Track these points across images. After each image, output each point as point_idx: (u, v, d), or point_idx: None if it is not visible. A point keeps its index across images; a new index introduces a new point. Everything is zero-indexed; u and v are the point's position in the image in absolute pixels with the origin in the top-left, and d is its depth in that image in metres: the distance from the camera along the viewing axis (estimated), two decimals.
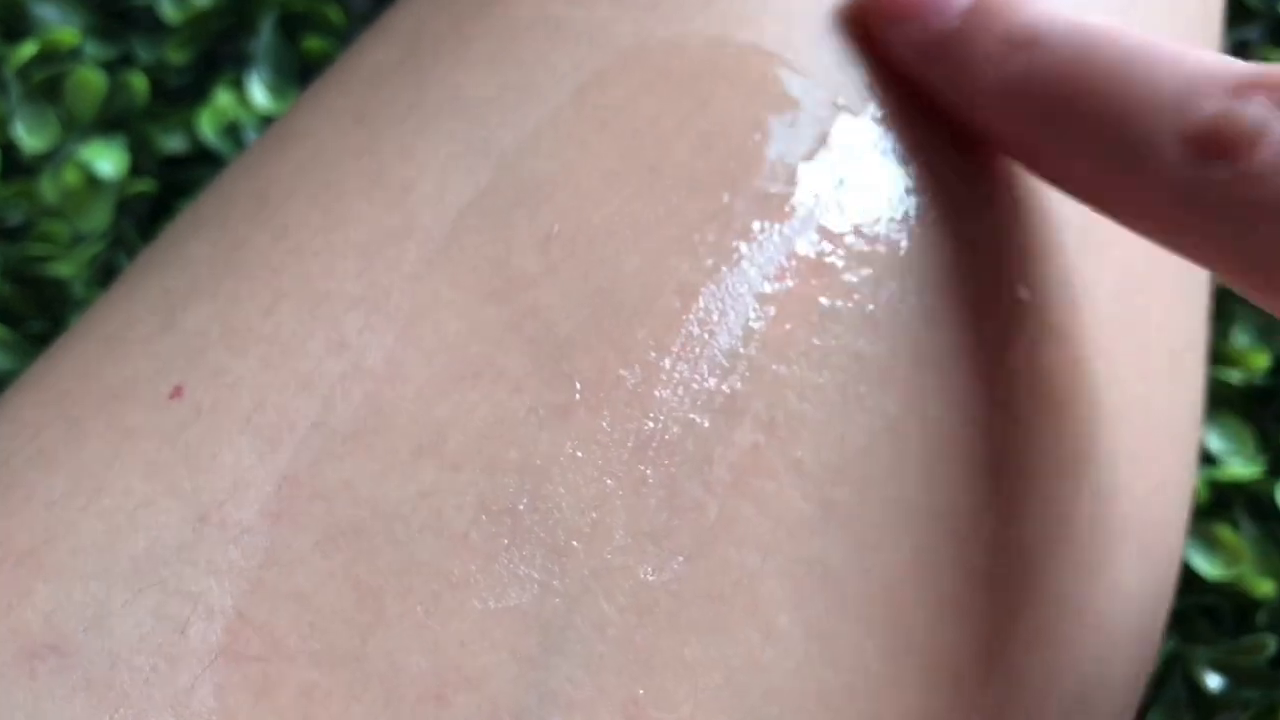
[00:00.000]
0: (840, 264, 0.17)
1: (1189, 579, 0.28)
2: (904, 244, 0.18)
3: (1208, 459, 0.29)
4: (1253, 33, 0.34)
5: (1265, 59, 0.32)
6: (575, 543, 0.15)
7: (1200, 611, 0.29)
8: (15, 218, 0.30)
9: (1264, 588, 0.28)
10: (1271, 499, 0.28)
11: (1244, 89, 0.15)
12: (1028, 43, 0.18)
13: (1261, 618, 0.28)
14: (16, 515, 0.16)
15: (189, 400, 0.16)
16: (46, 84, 0.30)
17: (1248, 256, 0.16)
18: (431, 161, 0.18)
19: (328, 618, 0.15)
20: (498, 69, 0.19)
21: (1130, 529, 0.20)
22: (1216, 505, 0.29)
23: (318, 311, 0.17)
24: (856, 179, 0.18)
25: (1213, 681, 0.28)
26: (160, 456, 0.16)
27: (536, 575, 0.15)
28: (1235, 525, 0.28)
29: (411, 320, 0.17)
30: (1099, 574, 0.19)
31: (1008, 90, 0.18)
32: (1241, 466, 0.29)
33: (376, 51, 0.21)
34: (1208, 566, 0.28)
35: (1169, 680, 0.28)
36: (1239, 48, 0.33)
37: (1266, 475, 0.29)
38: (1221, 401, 0.30)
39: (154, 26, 0.31)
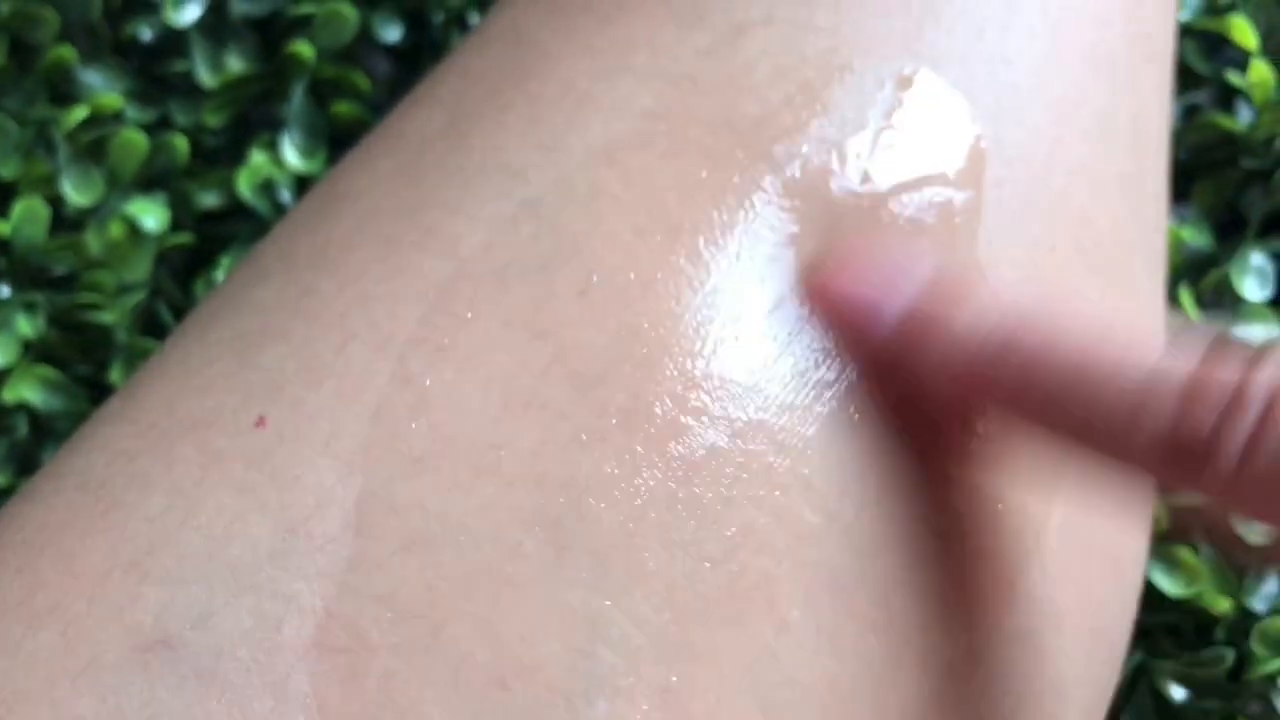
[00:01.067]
0: None
1: (1153, 597, 0.31)
2: None
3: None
4: (1201, 97, 0.37)
5: (1214, 123, 0.35)
6: (615, 550, 0.18)
7: (1164, 628, 0.31)
8: (62, 269, 0.32)
9: (1222, 605, 0.30)
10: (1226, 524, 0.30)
11: (1193, 395, 0.17)
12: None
13: (1220, 633, 0.31)
14: (120, 530, 0.18)
15: (272, 429, 0.19)
16: (92, 145, 0.32)
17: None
18: (479, 216, 0.20)
19: (404, 615, 0.17)
20: (534, 134, 0.22)
21: (1097, 543, 0.22)
22: (1175, 528, 0.31)
23: (384, 350, 0.19)
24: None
25: (1177, 693, 0.30)
26: (248, 478, 0.18)
27: (583, 578, 0.17)
28: (1194, 548, 0.31)
29: (468, 356, 0.19)
30: (1070, 581, 0.21)
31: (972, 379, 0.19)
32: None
33: (419, 118, 0.24)
34: (1169, 585, 0.30)
35: (1136, 692, 0.30)
36: (1189, 112, 0.36)
37: None
38: None
39: (192, 91, 0.34)
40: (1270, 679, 0.29)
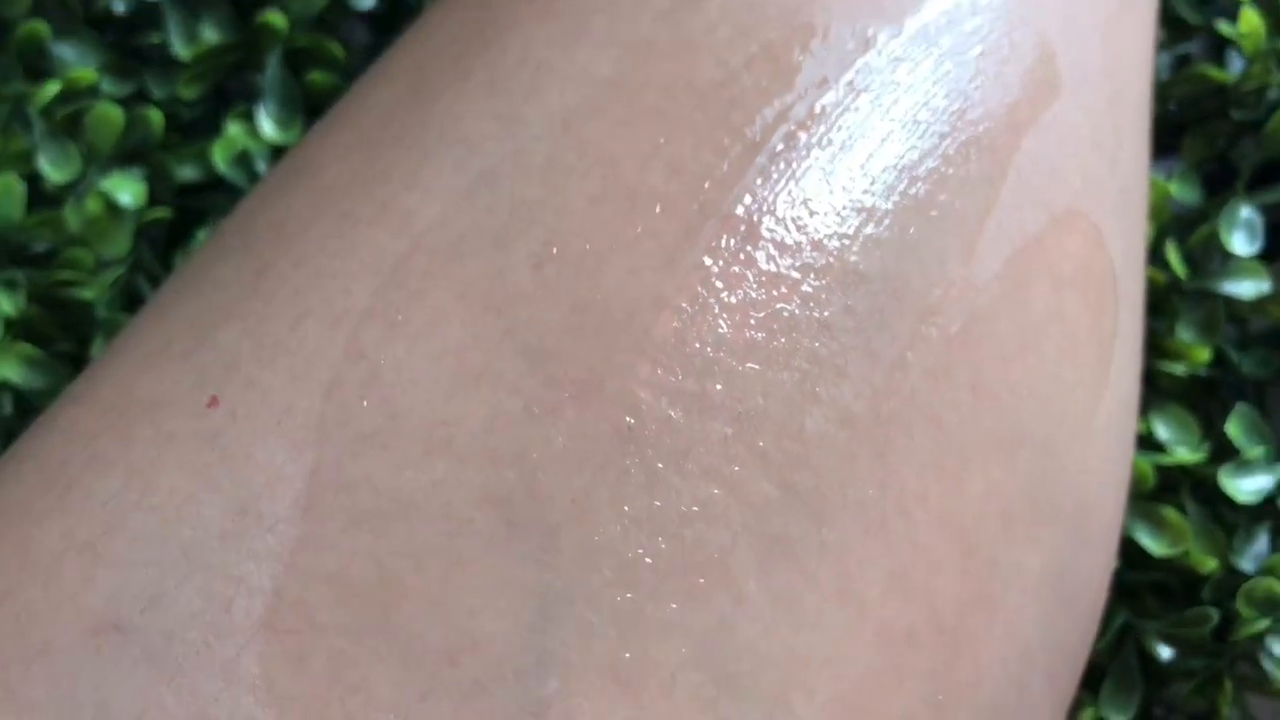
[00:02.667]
0: (797, 275, 0.20)
1: (1139, 556, 0.30)
2: (853, 258, 0.20)
3: (1155, 445, 0.31)
4: (1193, 47, 0.36)
5: (1204, 74, 0.34)
6: (566, 525, 0.18)
7: (1150, 587, 0.31)
8: (41, 246, 0.32)
9: (1209, 564, 0.30)
10: (1214, 483, 0.30)
11: None
12: None
13: (1206, 593, 0.30)
14: (76, 512, 0.18)
15: (224, 408, 0.19)
16: (68, 120, 0.32)
17: None
18: (435, 188, 0.20)
19: (354, 594, 0.17)
20: (492, 103, 0.21)
21: (1063, 508, 0.22)
22: (1162, 488, 0.31)
23: (337, 326, 0.19)
24: (810, 202, 0.20)
25: (1164, 653, 0.30)
26: (200, 458, 0.18)
27: (534, 554, 0.17)
28: (1180, 507, 0.30)
29: (420, 331, 0.19)
30: (1036, 546, 0.21)
31: None
32: (1186, 453, 0.31)
33: (382, 89, 0.23)
34: (1154, 545, 0.30)
35: (1122, 651, 0.30)
36: (1179, 61, 0.36)
37: (1209, 461, 0.31)
38: (1167, 392, 0.32)
39: (167, 63, 0.33)
40: (1257, 638, 0.29)
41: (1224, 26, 0.34)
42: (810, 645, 0.18)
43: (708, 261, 0.19)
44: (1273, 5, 0.34)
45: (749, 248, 0.20)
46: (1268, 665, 0.30)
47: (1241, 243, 0.32)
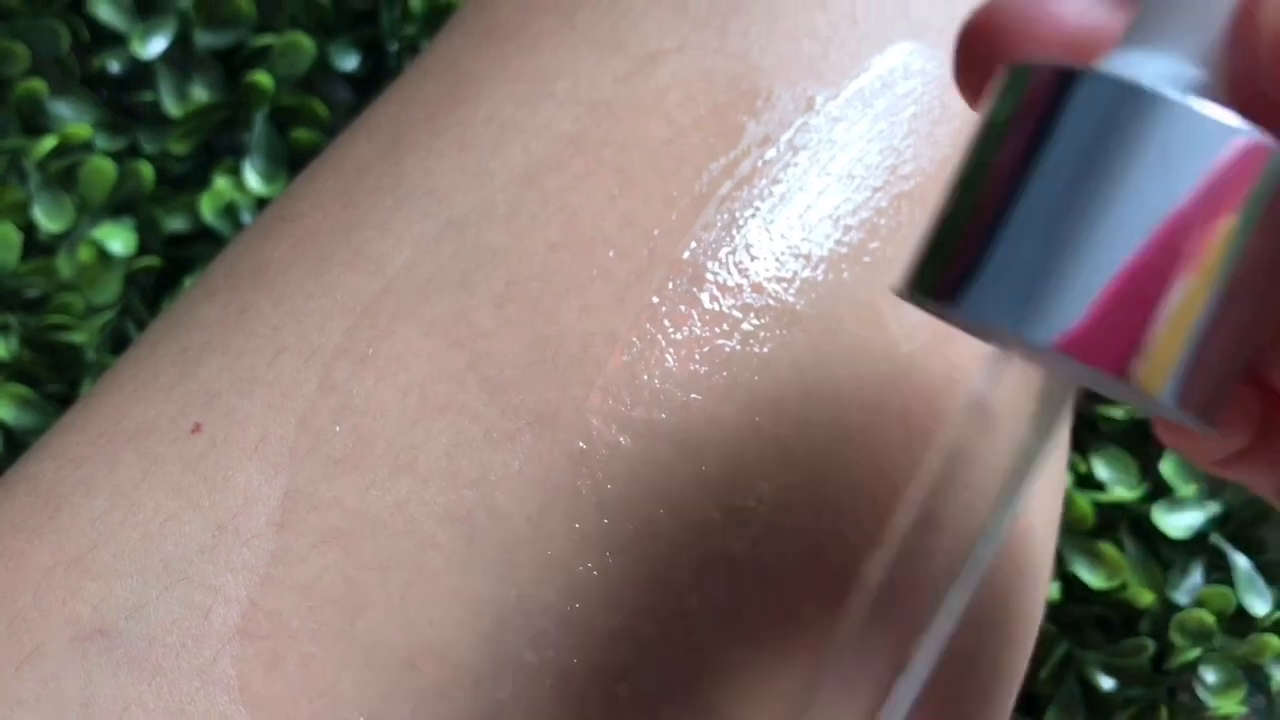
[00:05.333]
0: (739, 314, 0.21)
1: (1080, 590, 0.32)
2: (790, 298, 0.22)
3: (1095, 484, 0.33)
4: None
5: None
6: (522, 542, 0.19)
7: (1092, 620, 0.32)
8: (35, 292, 0.34)
9: (1146, 598, 0.32)
10: (1150, 520, 0.32)
11: None
12: None
13: (1145, 625, 0.32)
14: (65, 530, 0.19)
15: (206, 434, 0.20)
16: (63, 173, 0.34)
17: None
18: (406, 235, 0.22)
19: (323, 604, 0.18)
20: (461, 158, 0.23)
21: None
22: (1102, 526, 0.32)
23: (311, 360, 0.21)
24: (752, 248, 0.22)
25: (1105, 683, 0.32)
26: (183, 479, 0.19)
27: (492, 568, 0.19)
28: (1119, 543, 0.32)
29: (389, 365, 0.20)
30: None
31: None
32: (1124, 491, 0.32)
33: (359, 144, 0.25)
34: (1094, 579, 0.31)
35: (1064, 681, 0.32)
36: None
37: (1145, 499, 0.32)
38: (1107, 435, 0.33)
39: (158, 120, 0.35)
40: (1190, 667, 0.31)
41: None
42: (747, 657, 0.20)
43: (656, 301, 0.21)
44: None
45: (694, 289, 0.21)
46: (1201, 693, 0.31)
47: None
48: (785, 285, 0.22)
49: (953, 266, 0.15)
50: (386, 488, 0.19)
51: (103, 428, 0.21)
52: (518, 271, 0.21)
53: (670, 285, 0.21)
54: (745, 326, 0.21)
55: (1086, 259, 0.14)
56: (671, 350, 0.21)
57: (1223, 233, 0.14)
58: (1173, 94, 0.14)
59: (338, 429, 0.20)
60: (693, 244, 0.22)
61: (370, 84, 0.36)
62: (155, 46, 0.35)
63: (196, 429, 0.20)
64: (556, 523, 0.19)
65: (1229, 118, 0.14)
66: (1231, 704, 0.31)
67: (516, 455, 0.20)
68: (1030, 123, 0.15)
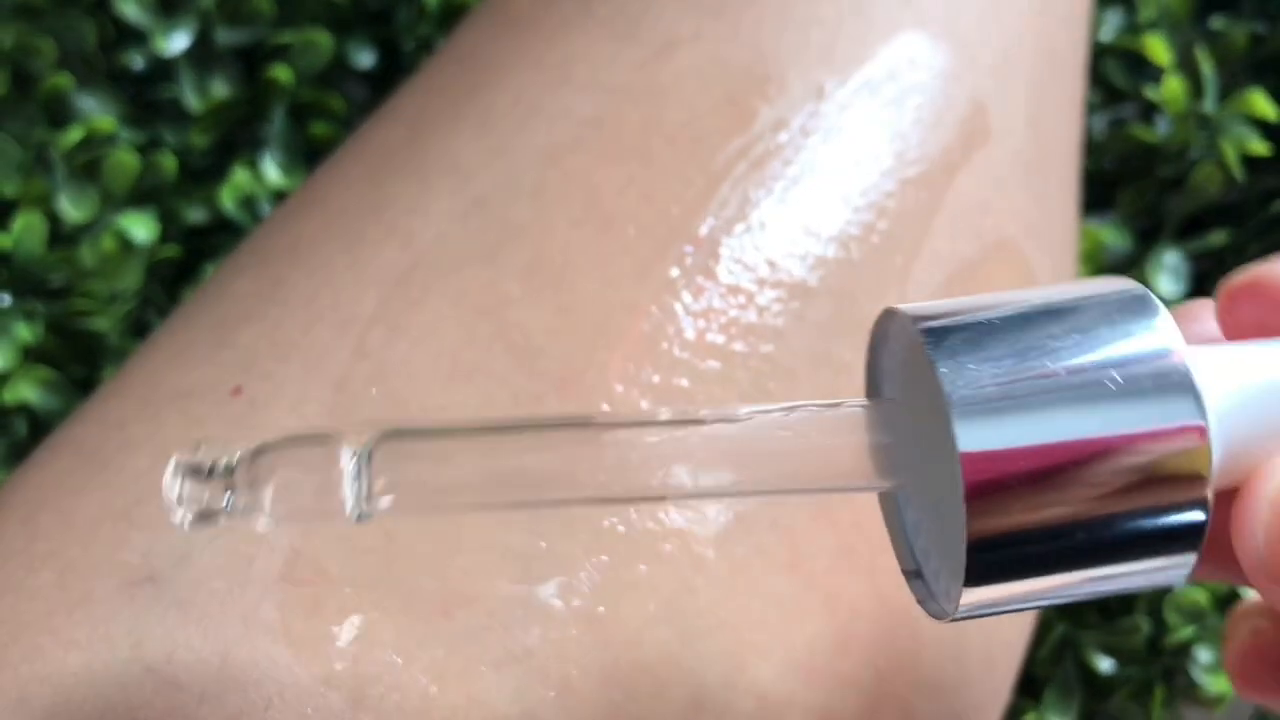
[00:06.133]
0: (753, 287, 0.22)
1: None
2: (802, 274, 0.23)
3: None
4: (1126, 110, 0.39)
5: (1134, 135, 0.37)
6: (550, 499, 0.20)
7: (1090, 602, 0.33)
8: (59, 279, 0.34)
9: None
10: None
11: None
12: None
13: (1141, 606, 0.33)
14: (111, 486, 0.20)
15: (246, 397, 0.21)
16: (87, 164, 0.35)
17: None
18: (434, 212, 0.23)
19: (362, 553, 0.19)
20: (485, 140, 0.24)
21: None
22: None
23: (346, 329, 0.21)
24: (765, 225, 0.23)
25: (1103, 664, 0.32)
26: (224, 436, 0.20)
27: (521, 522, 0.20)
28: None
29: (420, 333, 0.21)
30: None
31: None
32: None
33: (385, 130, 0.26)
34: None
35: (1061, 661, 0.32)
36: (1114, 124, 0.39)
37: None
38: None
39: (180, 115, 0.36)
40: (1184, 647, 0.32)
41: (1152, 92, 0.38)
42: (764, 610, 0.21)
43: (675, 274, 0.22)
44: (1194, 72, 0.37)
45: (711, 263, 0.22)
46: (1195, 674, 0.32)
47: (1168, 284, 0.35)
48: (798, 261, 0.23)
49: None
50: None
51: (144, 393, 0.22)
52: (542, 246, 0.22)
53: (688, 260, 0.22)
54: (760, 299, 0.22)
55: None
56: (690, 320, 0.22)
57: None
58: None
59: (373, 392, 0.21)
60: (710, 221, 0.23)
61: (385, 81, 0.37)
62: (177, 43, 0.36)
63: (237, 391, 0.21)
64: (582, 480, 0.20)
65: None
66: (1224, 683, 0.32)
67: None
68: None
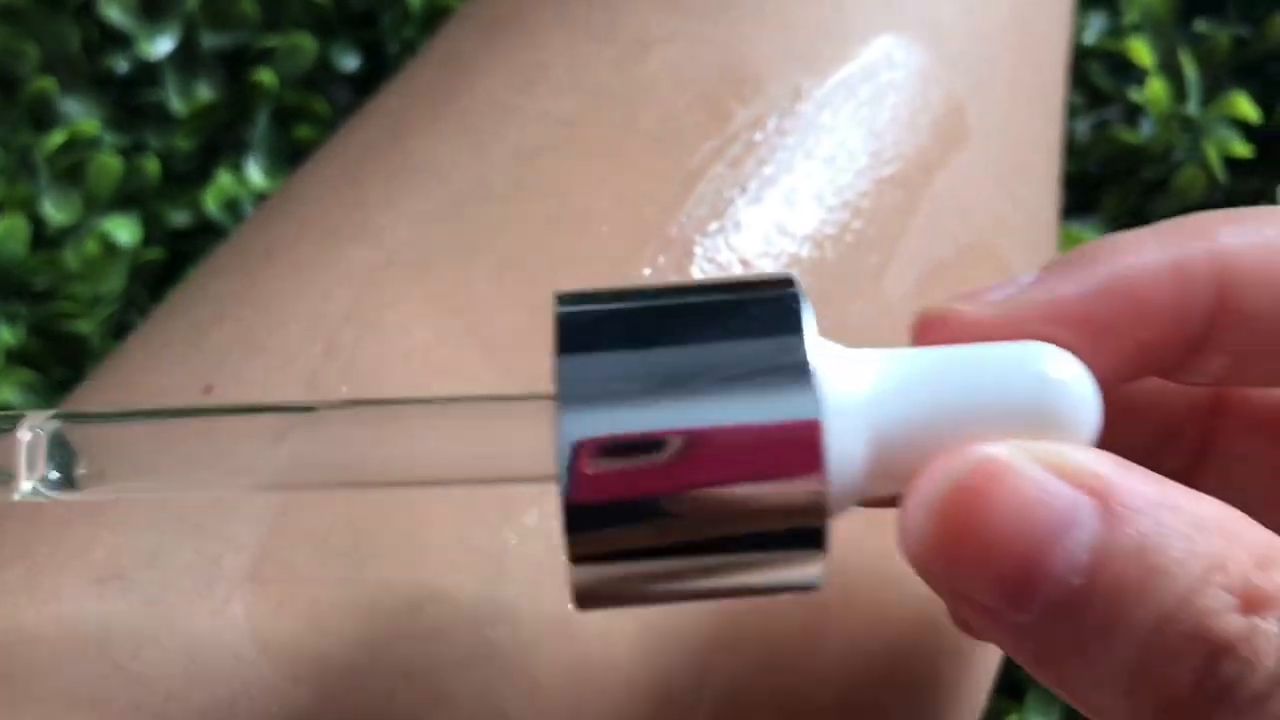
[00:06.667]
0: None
1: None
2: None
3: None
4: (1110, 113, 0.39)
5: (1118, 137, 0.37)
6: (521, 495, 0.20)
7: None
8: (42, 283, 0.34)
9: None
10: None
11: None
12: None
13: None
14: None
15: (216, 395, 0.21)
16: (71, 168, 0.35)
17: None
18: (407, 210, 0.23)
19: (330, 551, 0.19)
20: (461, 139, 0.24)
21: None
22: None
23: (318, 327, 0.21)
24: (739, 225, 0.23)
25: None
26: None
27: (492, 520, 0.20)
28: None
29: (392, 331, 0.21)
30: None
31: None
32: None
33: (363, 130, 0.26)
34: None
35: None
36: (1098, 126, 0.39)
37: None
38: None
39: (164, 118, 0.36)
40: None
41: (1136, 94, 0.38)
42: (734, 607, 0.20)
43: (648, 273, 0.22)
44: (1177, 75, 0.37)
45: (685, 262, 0.22)
46: None
47: None
48: (772, 261, 0.23)
49: None
50: None
51: (118, 394, 0.22)
52: (515, 245, 0.22)
53: (662, 259, 0.22)
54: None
55: None
56: None
57: None
58: None
59: (344, 390, 0.21)
60: (684, 220, 0.23)
61: (370, 84, 0.37)
62: (162, 47, 0.36)
63: (208, 389, 0.21)
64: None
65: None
66: None
67: None
68: None
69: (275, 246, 0.24)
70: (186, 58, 0.36)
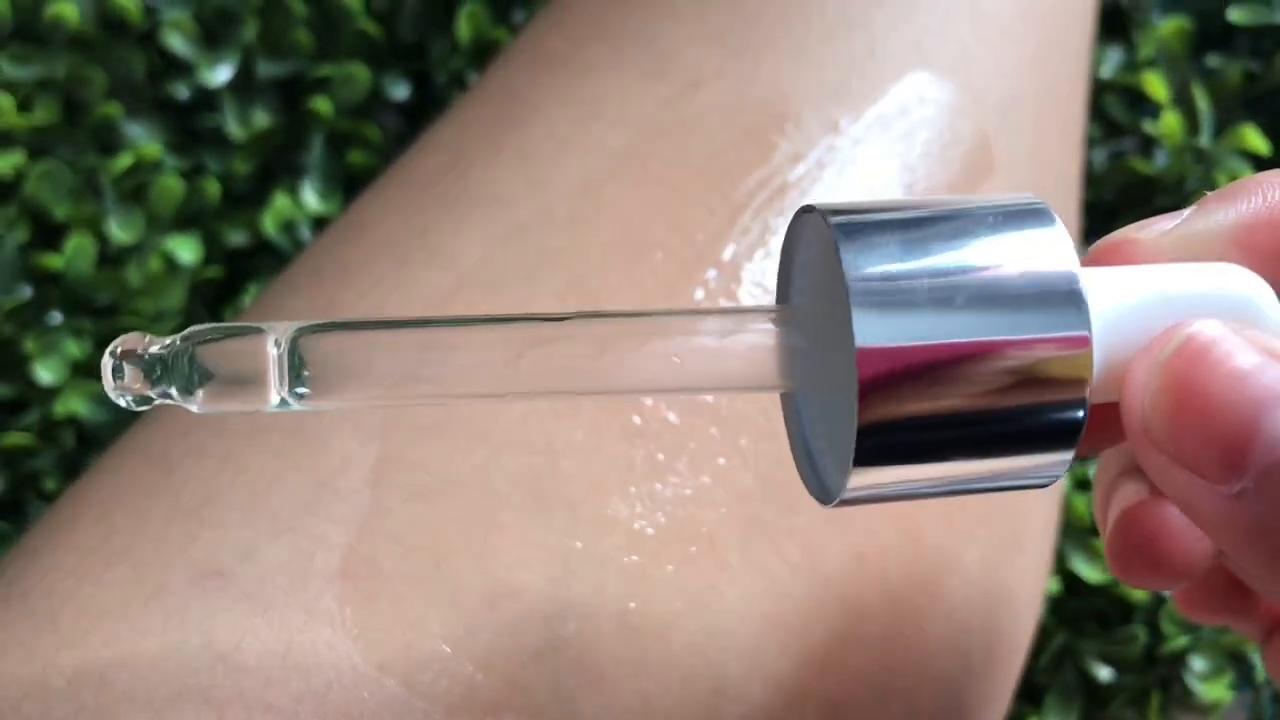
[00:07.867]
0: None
1: (1078, 585, 0.34)
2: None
3: (1090, 484, 0.35)
4: (1125, 144, 0.41)
5: (1133, 167, 0.39)
6: (585, 502, 0.22)
7: (1089, 613, 0.35)
8: (107, 298, 0.36)
9: (1139, 593, 0.34)
10: None
11: None
12: None
13: (1138, 617, 0.34)
14: (180, 488, 0.22)
15: None
16: (135, 189, 0.37)
17: None
18: (475, 237, 0.24)
19: (412, 550, 0.21)
20: (522, 171, 0.26)
21: (996, 512, 0.26)
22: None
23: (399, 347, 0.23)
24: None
25: (1102, 672, 0.34)
26: (285, 445, 0.22)
27: (559, 524, 0.21)
28: None
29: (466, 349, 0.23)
30: (973, 542, 0.25)
31: None
32: None
33: (425, 161, 0.28)
34: (1090, 572, 0.34)
35: (1061, 669, 0.34)
36: (1114, 156, 0.40)
37: None
38: None
39: (222, 142, 0.38)
40: (1180, 655, 0.33)
41: (1151, 126, 0.39)
42: (782, 608, 0.22)
43: (700, 296, 0.24)
44: (1190, 108, 0.39)
45: (733, 285, 0.24)
46: (1190, 681, 0.33)
47: None
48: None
49: None
50: (466, 453, 0.22)
51: None
52: (576, 269, 0.24)
53: (712, 283, 0.24)
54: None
55: None
56: (715, 337, 0.23)
57: None
58: None
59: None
60: (732, 247, 0.24)
61: (419, 112, 0.39)
62: (221, 75, 0.38)
63: None
64: (614, 487, 0.22)
65: None
66: (1218, 690, 0.33)
67: (579, 427, 0.22)
68: None
69: (350, 268, 0.25)
70: (244, 85, 0.38)
